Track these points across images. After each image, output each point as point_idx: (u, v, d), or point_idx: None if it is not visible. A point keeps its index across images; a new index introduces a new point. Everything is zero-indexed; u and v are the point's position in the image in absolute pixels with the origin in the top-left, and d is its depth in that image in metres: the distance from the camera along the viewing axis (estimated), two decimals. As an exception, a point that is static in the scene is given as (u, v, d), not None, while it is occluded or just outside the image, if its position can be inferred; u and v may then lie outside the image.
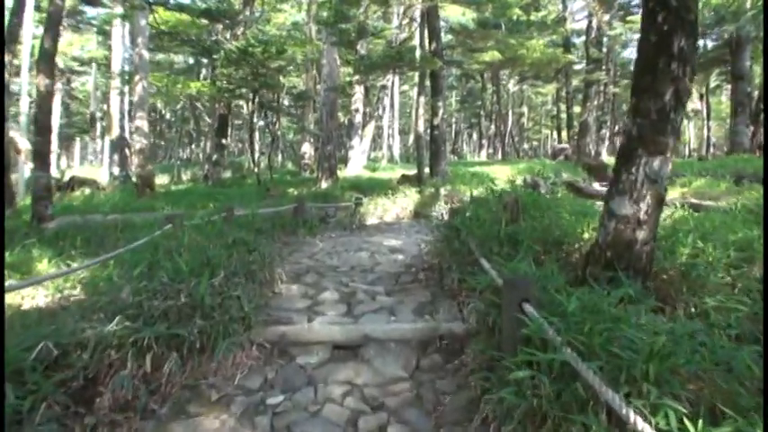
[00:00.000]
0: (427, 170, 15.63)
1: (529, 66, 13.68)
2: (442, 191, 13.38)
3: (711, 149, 39.28)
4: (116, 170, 25.23)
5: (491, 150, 48.64)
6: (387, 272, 5.93)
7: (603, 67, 29.35)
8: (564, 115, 47.32)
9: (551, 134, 63.37)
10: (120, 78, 23.64)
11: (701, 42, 34.55)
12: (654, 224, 4.15)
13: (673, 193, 14.85)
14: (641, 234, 4.06)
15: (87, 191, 19.00)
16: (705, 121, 39.75)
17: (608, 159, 28.41)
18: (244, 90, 18.50)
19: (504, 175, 19.34)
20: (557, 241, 4.97)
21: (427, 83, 15.80)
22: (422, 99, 14.01)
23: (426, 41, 14.26)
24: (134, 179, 15.68)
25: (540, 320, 2.94)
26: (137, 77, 15.03)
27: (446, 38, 16.95)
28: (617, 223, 4.10)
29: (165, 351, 3.48)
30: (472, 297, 4.62)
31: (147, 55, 15.17)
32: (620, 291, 3.48)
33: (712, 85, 40.22)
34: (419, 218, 12.59)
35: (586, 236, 5.04)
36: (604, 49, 28.40)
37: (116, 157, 25.11)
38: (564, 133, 48.07)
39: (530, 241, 4.82)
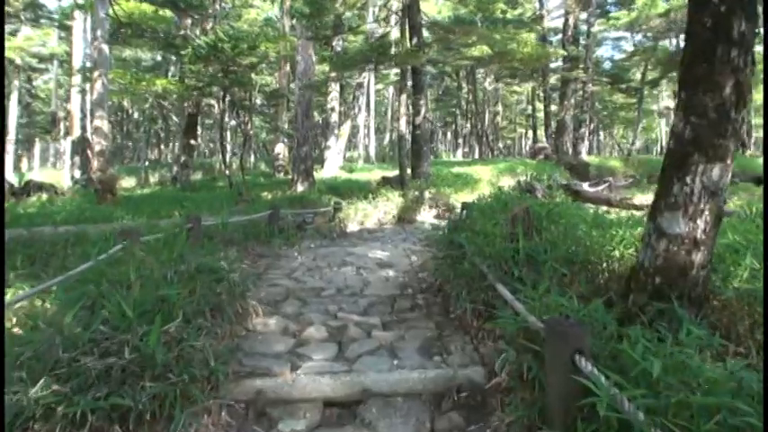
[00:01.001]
0: (408, 171, 14.87)
1: (519, 62, 13.02)
2: (427, 194, 12.64)
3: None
4: (78, 173, 23.89)
5: (467, 149, 48.25)
6: (379, 295, 5.11)
7: (581, 66, 28.99)
8: (541, 114, 47.24)
9: (525, 133, 63.49)
10: (81, 75, 22.34)
11: (674, 40, 34.63)
12: (712, 244, 3.43)
13: (663, 194, 14.44)
14: (698, 256, 3.34)
15: (45, 196, 17.74)
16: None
17: (588, 158, 28.15)
18: (213, 88, 17.47)
19: (486, 176, 18.75)
20: (582, 261, 4.23)
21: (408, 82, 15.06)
22: (403, 97, 13.24)
23: (407, 37, 13.49)
24: (95, 184, 14.54)
25: (608, 387, 2.16)
26: (96, 74, 13.88)
27: (425, 34, 16.19)
28: (669, 244, 3.37)
29: (105, 424, 2.64)
30: (490, 331, 3.87)
31: (106, 49, 14.05)
32: (691, 337, 2.74)
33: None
34: (403, 223, 11.83)
35: (616, 254, 4.32)
36: (581, 47, 28.01)
37: (77, 159, 23.78)
38: (540, 132, 48.00)
39: (552, 261, 4.06)
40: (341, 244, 9.26)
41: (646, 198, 11.22)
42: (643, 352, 2.49)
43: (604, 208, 8.15)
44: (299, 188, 15.72)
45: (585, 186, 10.33)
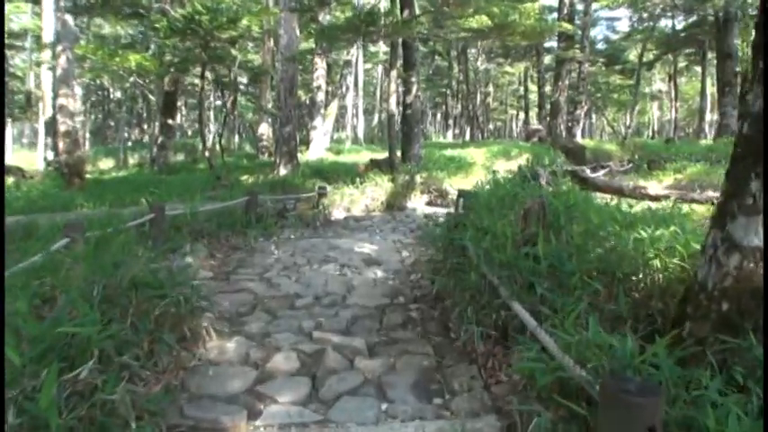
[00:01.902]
0: (398, 153, 13.99)
1: (520, 35, 12.09)
2: (418, 179, 11.79)
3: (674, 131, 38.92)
4: (51, 155, 22.70)
5: (457, 131, 47.31)
6: (365, 305, 4.28)
7: (577, 45, 28.07)
8: (533, 95, 46.32)
9: (517, 115, 62.65)
10: (52, 50, 21.02)
11: (669, 22, 33.74)
12: (800, 260, 2.64)
13: (667, 181, 13.68)
14: (784, 277, 2.56)
15: (11, 180, 16.67)
16: (672, 103, 39.18)
17: (583, 141, 27.40)
18: (191, 64, 16.39)
19: (480, 159, 17.91)
20: (615, 271, 3.44)
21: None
22: (394, 73, 12.30)
23: (398, 8, 12.52)
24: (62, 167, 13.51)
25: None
26: (59, 47, 12.80)
27: (417, 7, 15.13)
28: (742, 260, 2.57)
29: None
30: (503, 361, 3.07)
31: (71, 21, 12.95)
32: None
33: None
34: (392, 210, 10.99)
35: (656, 263, 3.52)
36: (578, 26, 27.06)
37: (50, 140, 22.57)
38: (532, 113, 47.15)
39: (580, 272, 3.26)
40: (324, 235, 8.42)
41: (661, 187, 10.48)
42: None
43: (623, 199, 7.36)
44: (282, 171, 14.78)
45: (590, 172, 9.56)
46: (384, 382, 2.97)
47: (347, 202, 11.18)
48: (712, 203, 7.15)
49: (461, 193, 7.42)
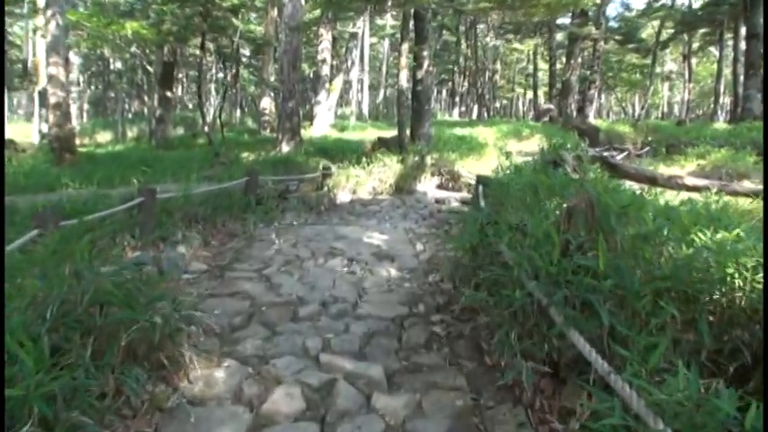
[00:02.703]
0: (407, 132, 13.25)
1: (544, 7, 11.19)
2: (428, 160, 11.09)
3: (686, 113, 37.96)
4: (45, 127, 21.96)
5: (463, 109, 46.31)
6: (380, 316, 3.65)
7: (591, 23, 27.04)
8: (542, 74, 45.18)
9: (524, 93, 61.46)
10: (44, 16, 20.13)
11: (686, 0, 32.55)
12: None
13: (689, 167, 12.96)
14: None
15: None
16: (685, 84, 38.14)
17: (598, 121, 26.58)
18: (188, 33, 15.59)
19: (491, 139, 17.18)
20: (686, 291, 2.79)
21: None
22: (405, 46, 11.50)
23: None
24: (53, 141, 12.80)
25: None
26: (49, 13, 12.00)
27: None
28: None
29: None
30: (562, 408, 2.46)
31: (61, -16, 12.11)
32: None
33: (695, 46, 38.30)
34: (401, 194, 10.32)
35: (737, 281, 2.86)
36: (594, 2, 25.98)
37: (45, 111, 21.81)
38: (540, 92, 46.06)
39: (651, 294, 2.62)
40: (329, 221, 7.77)
41: (684, 174, 9.79)
42: None
43: (663, 190, 6.67)
44: (285, 148, 14.08)
45: (617, 157, 8.85)
46: (410, 431, 2.35)
47: (353, 183, 10.51)
48: (755, 196, 6.49)
49: (481, 180, 6.78)
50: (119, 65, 45.18)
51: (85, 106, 45.75)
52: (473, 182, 10.85)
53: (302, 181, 10.65)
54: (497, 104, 59.19)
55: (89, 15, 16.64)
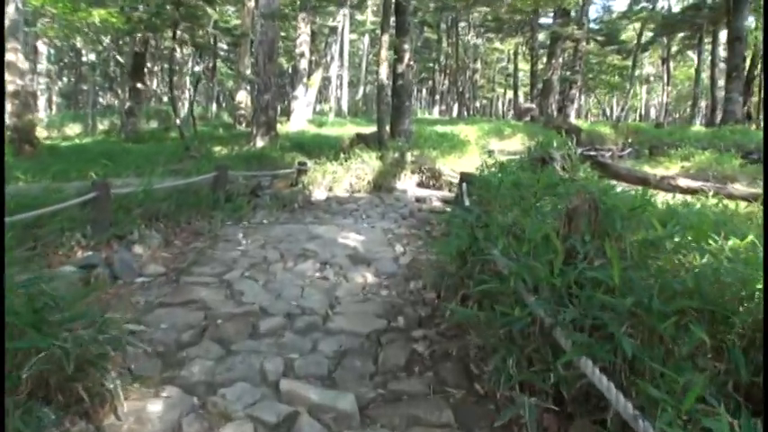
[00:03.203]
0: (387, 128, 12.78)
1: (532, 1, 10.63)
2: (409, 157, 10.64)
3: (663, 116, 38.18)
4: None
5: (443, 108, 46.02)
6: (354, 333, 3.17)
7: (572, 23, 26.90)
8: (522, 74, 45.12)
9: (504, 93, 61.52)
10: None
11: (665, 3, 32.68)
12: None
13: (674, 168, 12.74)
14: None
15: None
16: (664, 87, 38.37)
17: (579, 122, 26.44)
18: (159, 22, 14.87)
19: (472, 137, 16.82)
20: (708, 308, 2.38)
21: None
22: (385, 38, 11.01)
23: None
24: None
25: None
26: (7, -6, 11.27)
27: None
28: None
29: None
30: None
31: (20, -36, 11.37)
32: None
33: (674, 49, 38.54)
34: (380, 192, 9.86)
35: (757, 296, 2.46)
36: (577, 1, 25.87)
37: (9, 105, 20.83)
38: (521, 92, 46.03)
39: (674, 314, 2.20)
40: (303, 220, 7.27)
41: (693, 179, 9.48)
42: None
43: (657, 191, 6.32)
44: (259, 143, 13.52)
45: (609, 158, 8.52)
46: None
47: (329, 180, 10.01)
48: (754, 200, 6.16)
49: (465, 178, 6.35)
50: (92, 57, 43.89)
51: (55, 98, 44.33)
52: (455, 180, 10.43)
53: (276, 177, 10.12)
54: (477, 104, 59.07)
55: (54, 0, 15.80)
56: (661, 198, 6.29)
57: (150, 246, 5.74)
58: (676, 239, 3.12)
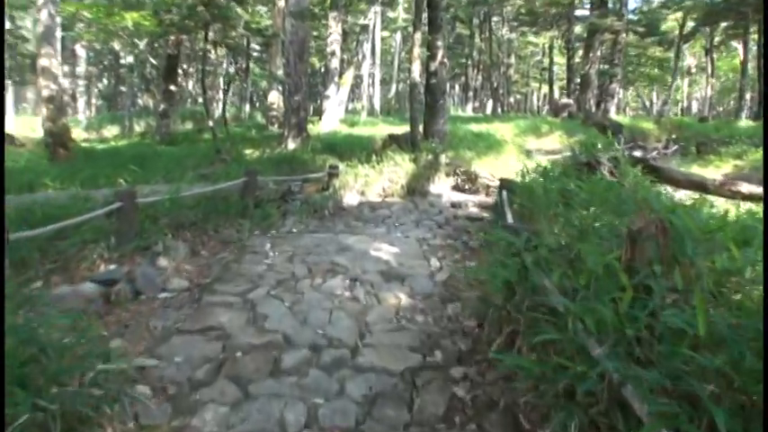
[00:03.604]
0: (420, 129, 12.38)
1: None
2: (443, 158, 10.25)
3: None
4: (49, 121, 21.39)
5: (476, 104, 45.28)
6: (386, 370, 2.83)
7: (610, 15, 25.93)
8: (558, 68, 44.02)
9: (539, 88, 60.26)
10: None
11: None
12: None
13: (725, 168, 12.02)
14: None
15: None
16: (708, 79, 36.81)
17: (618, 117, 25.50)
18: (191, 23, 14.82)
19: (508, 136, 16.30)
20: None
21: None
22: (418, 35, 10.62)
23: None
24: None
25: None
26: (40, 1, 11.32)
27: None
28: None
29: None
30: None
31: (53, -31, 11.40)
32: None
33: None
34: (413, 196, 9.51)
35: None
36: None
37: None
38: (556, 87, 44.89)
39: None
40: (333, 228, 6.98)
41: (719, 176, 8.87)
42: None
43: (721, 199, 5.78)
44: (291, 145, 13.31)
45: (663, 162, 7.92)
46: None
47: (361, 183, 9.71)
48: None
49: (505, 185, 5.95)
50: (130, 59, 44.69)
51: (94, 100, 45.34)
52: (492, 183, 10.00)
53: (307, 181, 9.88)
54: (511, 99, 58.00)
55: (88, 6, 15.94)
56: (720, 202, 5.77)
57: (175, 258, 5.53)
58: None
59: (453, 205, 8.61)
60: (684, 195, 6.55)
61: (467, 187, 10.02)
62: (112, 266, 5.07)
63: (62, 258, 5.00)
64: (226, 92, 17.34)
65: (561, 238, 3.05)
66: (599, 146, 7.47)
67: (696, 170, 11.35)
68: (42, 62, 11.36)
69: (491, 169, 10.49)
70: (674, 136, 23.88)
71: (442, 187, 9.90)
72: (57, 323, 2.32)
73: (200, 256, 5.98)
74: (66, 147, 11.77)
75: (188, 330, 3.32)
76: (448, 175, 10.21)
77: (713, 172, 11.20)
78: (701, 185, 6.04)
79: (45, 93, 11.55)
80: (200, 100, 45.34)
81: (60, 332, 2.23)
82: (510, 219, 4.66)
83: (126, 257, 5.26)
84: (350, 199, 9.29)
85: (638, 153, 11.10)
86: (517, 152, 12.18)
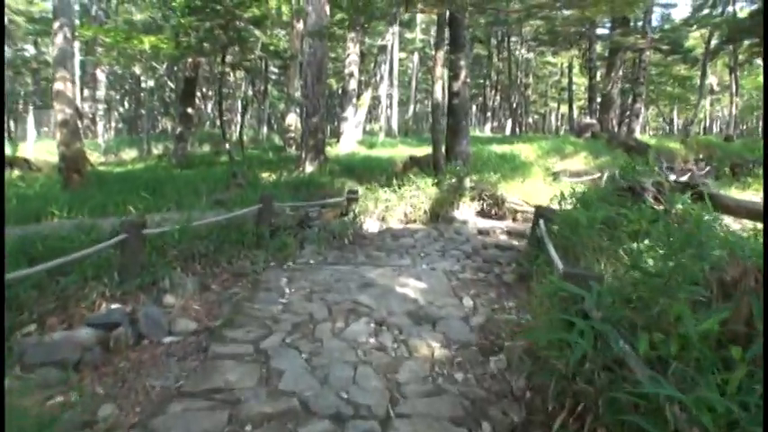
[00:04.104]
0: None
1: (608, 3, 9.48)
2: (468, 182, 9.76)
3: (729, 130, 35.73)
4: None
5: (495, 124, 44.87)
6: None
7: (633, 33, 25.46)
8: (576, 87, 43.53)
9: (558, 108, 59.76)
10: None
11: (728, 8, 30.61)
12: None
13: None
14: None
15: (16, 173, 15.34)
16: (732, 98, 35.97)
17: (645, 138, 24.87)
18: (208, 46, 14.69)
19: (530, 157, 15.81)
20: None
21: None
22: (440, 54, 10.22)
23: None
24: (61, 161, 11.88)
25: None
26: (56, 24, 11.16)
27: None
28: None
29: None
30: None
31: (69, -7, 11.30)
32: None
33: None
34: (437, 222, 9.03)
35: None
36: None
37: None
38: (575, 106, 44.33)
39: None
40: (354, 259, 6.50)
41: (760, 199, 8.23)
42: None
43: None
44: (308, 168, 12.96)
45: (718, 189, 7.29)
46: None
47: (382, 209, 9.26)
48: None
49: (542, 214, 5.44)
50: (151, 83, 45.26)
51: (114, 123, 45.84)
52: (520, 208, 9.49)
53: (325, 206, 9.47)
54: (529, 119, 57.50)
55: (107, 30, 15.91)
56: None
57: (183, 294, 5.09)
58: None
59: (480, 232, 8.11)
60: (730, 220, 6.00)
61: (493, 212, 9.51)
62: (115, 305, 4.66)
63: (61, 297, 4.59)
64: (243, 114, 17.06)
65: (632, 290, 2.53)
66: (637, 168, 6.91)
67: (735, 193, 10.72)
68: (57, 86, 11.17)
69: (518, 193, 9.99)
70: (700, 156, 23.17)
71: (466, 212, 9.40)
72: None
73: (210, 290, 5.54)
74: (80, 172, 11.51)
75: (190, 393, 2.84)
76: (473, 199, 9.71)
77: (754, 195, 10.56)
78: (757, 214, 5.46)
79: (59, 117, 11.35)
80: (219, 122, 45.55)
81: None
82: (553, 254, 4.16)
83: (130, 295, 4.84)
84: (370, 225, 8.84)
85: (673, 177, 10.48)
86: (543, 174, 11.65)
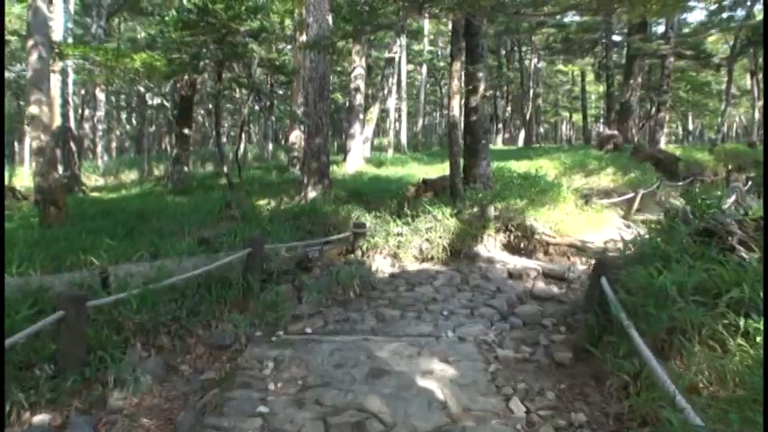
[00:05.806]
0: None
1: (654, 3, 8.30)
2: (491, 211, 8.48)
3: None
4: (61, 170, 20.34)
5: (506, 136, 43.62)
6: None
7: (654, 38, 24.19)
8: (588, 95, 42.25)
9: (570, 117, 58.49)
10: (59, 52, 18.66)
11: (742, 11, 29.30)
12: None
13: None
14: None
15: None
16: (755, 103, 34.56)
17: (671, 149, 23.55)
18: (201, 62, 13.60)
19: (552, 172, 14.55)
20: None
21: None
22: (457, 66, 8.96)
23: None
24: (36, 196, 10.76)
25: None
26: (30, 42, 10.05)
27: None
28: None
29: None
30: None
31: (44, 9, 10.18)
32: None
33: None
34: (459, 260, 7.76)
35: None
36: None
37: (59, 153, 20.22)
38: (589, 116, 43.04)
39: None
40: (361, 321, 5.24)
41: None
42: None
43: None
44: (311, 194, 11.75)
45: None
46: None
47: (394, 244, 8.01)
48: None
49: (604, 268, 4.17)
50: (157, 100, 44.42)
51: (115, 143, 45.03)
52: (552, 240, 8.22)
53: (327, 243, 8.23)
54: (541, 129, 56.20)
55: (94, 48, 14.89)
56: None
57: (138, 388, 3.87)
58: None
59: (511, 275, 6.83)
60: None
61: (521, 246, 8.23)
62: (40, 417, 3.45)
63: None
64: (240, 134, 15.92)
65: None
66: (712, 201, 5.59)
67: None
68: (32, 110, 10.03)
69: (547, 221, 8.72)
70: (729, 167, 21.77)
71: (491, 247, 8.12)
72: None
73: (178, 373, 4.33)
74: (58, 204, 10.31)
75: None
76: (497, 230, 8.44)
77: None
78: None
79: (35, 144, 10.20)
80: (224, 139, 44.57)
81: None
82: (639, 342, 2.90)
83: (63, 399, 3.62)
84: (380, 264, 7.61)
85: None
86: (575, 197, 10.37)
